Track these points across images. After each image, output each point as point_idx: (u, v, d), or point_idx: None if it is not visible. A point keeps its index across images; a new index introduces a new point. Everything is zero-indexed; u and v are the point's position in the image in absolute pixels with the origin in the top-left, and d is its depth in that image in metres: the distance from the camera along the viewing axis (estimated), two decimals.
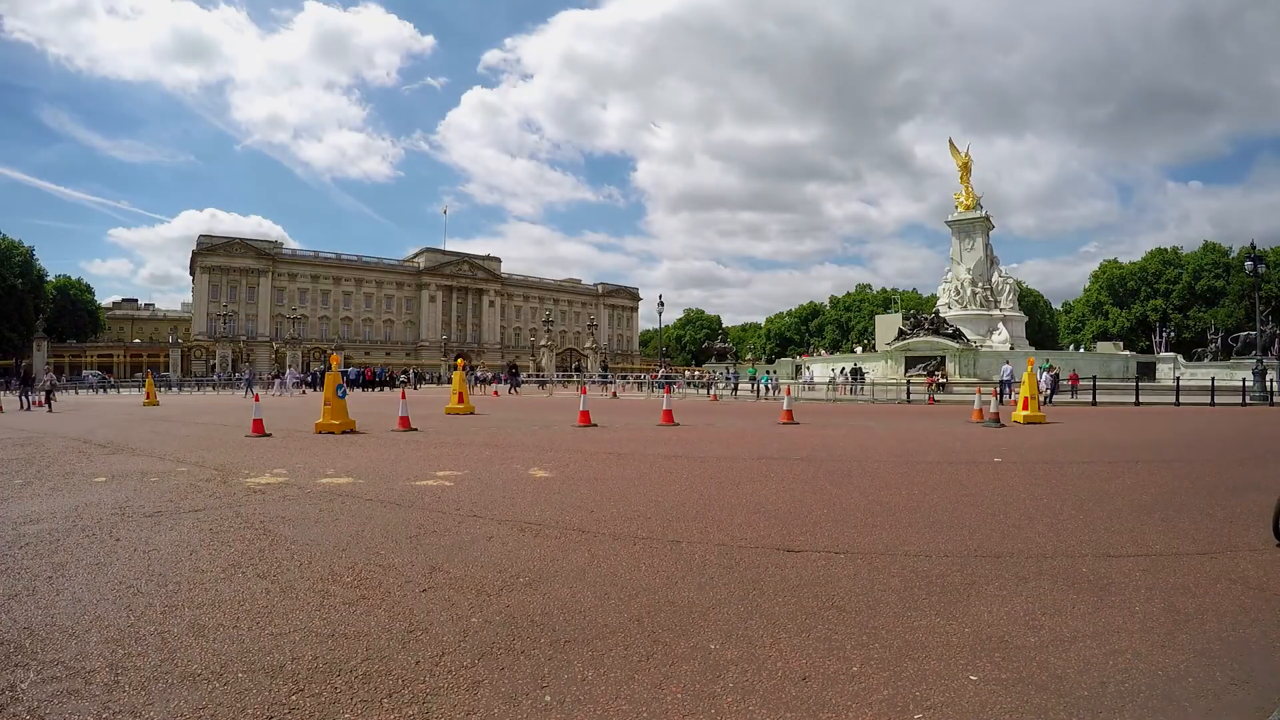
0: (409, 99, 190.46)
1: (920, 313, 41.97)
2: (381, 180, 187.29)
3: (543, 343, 69.96)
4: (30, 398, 24.15)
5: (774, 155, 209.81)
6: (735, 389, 29.69)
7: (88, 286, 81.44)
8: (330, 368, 12.88)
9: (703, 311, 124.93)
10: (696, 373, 55.59)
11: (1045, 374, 24.28)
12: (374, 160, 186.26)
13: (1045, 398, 23.24)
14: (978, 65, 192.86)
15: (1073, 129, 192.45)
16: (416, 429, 12.05)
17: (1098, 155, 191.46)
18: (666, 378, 38.82)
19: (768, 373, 38.09)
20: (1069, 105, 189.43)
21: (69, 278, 78.82)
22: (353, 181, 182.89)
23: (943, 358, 33.69)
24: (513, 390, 39.91)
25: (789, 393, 17.52)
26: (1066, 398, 25.72)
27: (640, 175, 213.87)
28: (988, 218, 42.07)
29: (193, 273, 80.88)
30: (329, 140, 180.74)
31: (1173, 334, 59.70)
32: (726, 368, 47.91)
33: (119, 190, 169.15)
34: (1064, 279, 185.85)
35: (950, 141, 44.22)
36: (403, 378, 42.35)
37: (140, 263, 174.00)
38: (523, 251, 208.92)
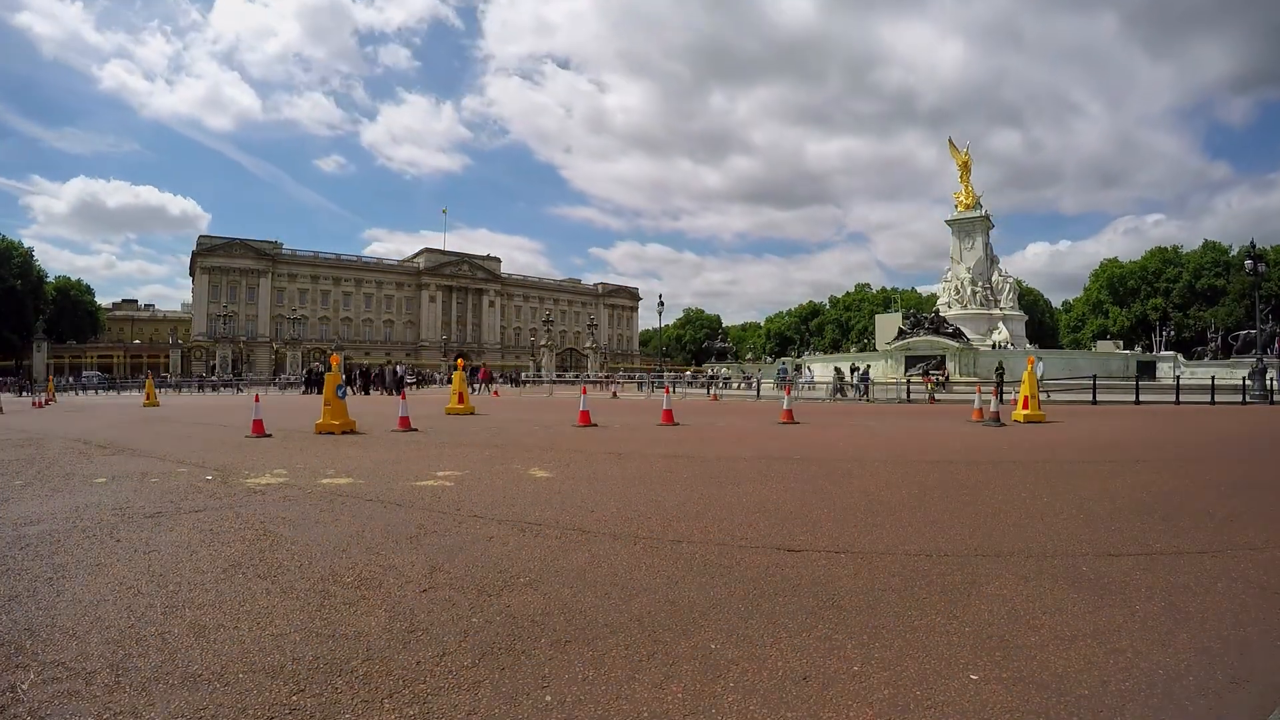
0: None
1: (920, 312, 42.02)
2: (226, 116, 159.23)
3: (543, 343, 69.96)
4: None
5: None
6: (758, 390, 30.07)
7: (88, 287, 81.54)
8: (330, 368, 12.89)
9: (702, 311, 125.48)
10: (689, 373, 55.71)
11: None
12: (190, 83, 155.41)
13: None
14: None
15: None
16: (417, 429, 12.05)
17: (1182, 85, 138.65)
18: (659, 378, 38.83)
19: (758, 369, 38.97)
20: None
21: (69, 278, 78.91)
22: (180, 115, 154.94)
23: (942, 357, 33.71)
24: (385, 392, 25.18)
25: (789, 392, 17.54)
26: (1065, 397, 25.70)
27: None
28: (987, 217, 42.11)
29: (192, 273, 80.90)
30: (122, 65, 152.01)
31: (1172, 333, 59.69)
32: (725, 367, 48.01)
33: None
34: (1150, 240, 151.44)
35: (950, 141, 44.30)
36: (409, 379, 40.31)
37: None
38: (454, 243, 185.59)
